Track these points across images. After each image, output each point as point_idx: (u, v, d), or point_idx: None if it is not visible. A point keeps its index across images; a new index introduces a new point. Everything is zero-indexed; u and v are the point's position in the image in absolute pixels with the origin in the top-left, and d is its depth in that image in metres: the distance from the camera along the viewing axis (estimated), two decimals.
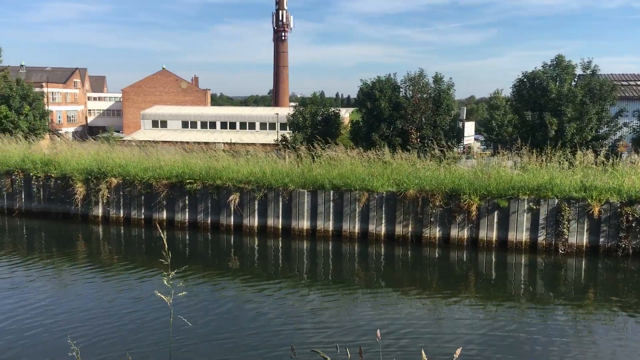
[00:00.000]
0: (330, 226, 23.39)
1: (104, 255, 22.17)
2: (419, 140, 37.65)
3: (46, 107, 60.36)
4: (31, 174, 26.35)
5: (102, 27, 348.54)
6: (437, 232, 22.39)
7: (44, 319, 14.64)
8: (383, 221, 22.87)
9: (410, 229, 22.65)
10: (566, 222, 21.08)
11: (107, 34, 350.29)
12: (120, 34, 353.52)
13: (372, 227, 22.95)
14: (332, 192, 23.23)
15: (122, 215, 25.49)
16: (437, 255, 21.89)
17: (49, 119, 60.83)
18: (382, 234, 22.87)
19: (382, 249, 22.40)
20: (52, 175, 25.99)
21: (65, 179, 25.72)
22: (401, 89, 39.09)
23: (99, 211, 25.62)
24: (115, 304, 16.02)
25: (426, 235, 22.44)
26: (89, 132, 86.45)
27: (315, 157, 25.47)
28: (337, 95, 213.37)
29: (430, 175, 22.94)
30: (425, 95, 38.24)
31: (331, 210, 23.34)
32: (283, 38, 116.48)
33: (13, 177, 26.71)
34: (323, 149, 25.72)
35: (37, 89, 61.99)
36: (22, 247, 23.36)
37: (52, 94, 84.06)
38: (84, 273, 19.46)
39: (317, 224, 23.46)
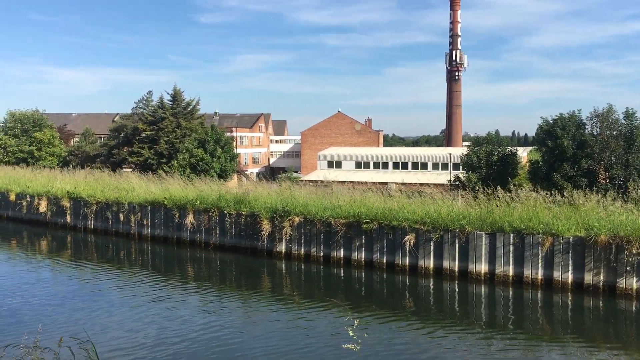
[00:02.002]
0: (510, 271, 22.38)
1: (286, 289, 23.48)
2: (608, 180, 34.75)
3: (235, 150, 66.27)
4: (225, 211, 29.02)
5: (284, 75, 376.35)
6: (634, 283, 20.26)
7: (227, 339, 16.38)
8: (570, 268, 21.32)
9: (601, 278, 20.81)
10: None
11: (289, 81, 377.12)
12: (300, 81, 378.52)
13: (557, 274, 21.49)
14: (512, 235, 22.29)
15: (302, 252, 26.89)
16: (634, 308, 19.77)
17: (237, 161, 66.62)
18: (569, 282, 21.30)
19: (569, 299, 20.82)
20: (243, 212, 28.38)
21: (254, 216, 27.91)
22: (587, 126, 36.63)
23: (282, 247, 27.30)
24: (293, 332, 17.14)
25: (621, 285, 20.42)
26: (270, 172, 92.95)
27: (493, 197, 24.70)
28: (513, 133, 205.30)
29: (626, 220, 20.95)
30: (615, 132, 35.39)
31: (511, 254, 22.36)
32: (456, 77, 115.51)
33: (210, 214, 29.65)
34: (503, 190, 24.82)
35: (228, 134, 68.38)
36: (215, 277, 25.69)
37: (240, 137, 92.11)
38: (267, 303, 20.86)
39: (496, 268, 22.59)
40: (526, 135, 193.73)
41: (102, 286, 22.82)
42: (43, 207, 36.84)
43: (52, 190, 37.06)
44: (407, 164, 75.33)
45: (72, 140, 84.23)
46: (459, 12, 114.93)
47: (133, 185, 35.15)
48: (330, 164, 79.44)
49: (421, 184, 56.48)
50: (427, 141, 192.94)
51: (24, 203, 38.33)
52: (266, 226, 27.34)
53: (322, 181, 48.50)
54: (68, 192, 35.82)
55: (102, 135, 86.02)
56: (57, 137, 72.74)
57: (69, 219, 35.87)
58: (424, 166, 74.16)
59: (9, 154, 68.07)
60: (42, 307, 19.49)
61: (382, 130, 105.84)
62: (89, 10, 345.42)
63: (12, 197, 39.14)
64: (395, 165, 75.83)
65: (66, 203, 35.76)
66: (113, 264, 27.73)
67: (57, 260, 28.81)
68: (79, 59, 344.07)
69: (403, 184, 56.95)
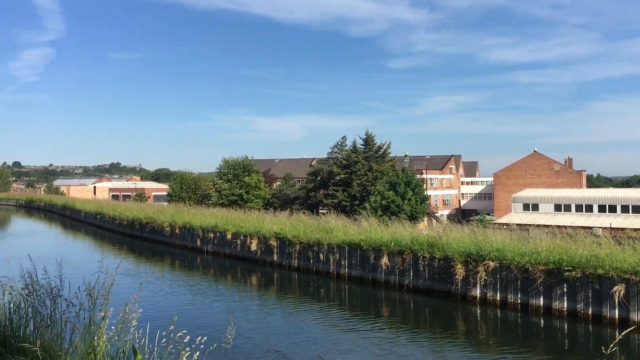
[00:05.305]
0: None
1: (482, 336, 23.13)
2: None
3: (425, 192, 66.79)
4: (418, 254, 29.64)
5: (475, 115, 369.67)
6: None
7: None
8: None
9: None
10: None
11: (480, 121, 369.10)
12: (492, 120, 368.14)
13: None
14: None
15: (498, 298, 26.30)
16: None
17: (427, 203, 67.00)
18: None
19: None
20: (436, 255, 28.73)
21: (447, 260, 28.09)
22: None
23: (477, 292, 26.99)
24: None
25: None
26: (461, 215, 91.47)
27: None
28: None
29: None
30: None
31: None
32: None
33: (404, 256, 30.49)
34: None
35: (418, 176, 69.41)
36: (409, 319, 26.20)
37: (430, 179, 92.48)
38: (461, 346, 20.86)
39: None
40: None
41: (304, 317, 24.93)
42: (254, 245, 40.93)
43: (261, 230, 41.05)
44: (615, 207, 68.96)
45: (274, 184, 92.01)
46: None
47: (332, 227, 37.48)
48: (525, 207, 75.87)
49: (633, 229, 51.34)
50: (639, 181, 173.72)
51: (238, 242, 42.95)
52: (460, 270, 27.32)
53: (517, 225, 46.74)
54: (275, 232, 39.39)
55: (301, 179, 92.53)
56: (262, 181, 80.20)
57: (275, 257, 39.32)
58: (636, 210, 67.19)
59: (223, 196, 76.67)
60: (269, 334, 21.89)
61: (584, 170, 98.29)
62: (289, 65, 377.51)
63: (229, 236, 44.13)
64: (602, 209, 69.86)
65: (273, 242, 39.31)
66: (314, 298, 29.84)
67: (267, 294, 31.82)
68: (281, 109, 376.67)
69: (611, 229, 52.38)
